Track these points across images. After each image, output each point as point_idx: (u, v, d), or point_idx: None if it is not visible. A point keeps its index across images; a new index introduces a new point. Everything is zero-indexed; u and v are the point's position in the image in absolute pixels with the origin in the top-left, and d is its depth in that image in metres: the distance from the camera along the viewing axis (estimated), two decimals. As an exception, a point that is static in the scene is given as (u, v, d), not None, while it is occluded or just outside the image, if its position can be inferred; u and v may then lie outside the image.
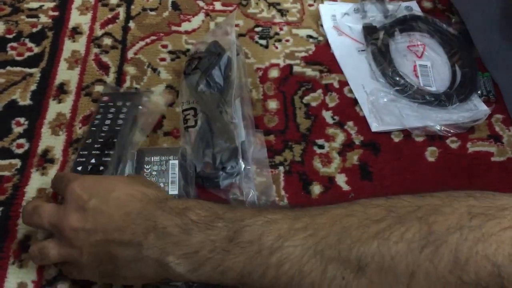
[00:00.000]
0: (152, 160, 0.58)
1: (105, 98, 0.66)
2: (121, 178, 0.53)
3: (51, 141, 0.64)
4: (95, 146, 0.60)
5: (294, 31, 0.78)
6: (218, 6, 0.81)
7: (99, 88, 0.69)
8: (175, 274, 0.43)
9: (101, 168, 0.58)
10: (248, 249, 0.42)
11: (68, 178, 0.51)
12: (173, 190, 0.55)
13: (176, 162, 0.58)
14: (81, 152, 0.60)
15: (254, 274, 0.41)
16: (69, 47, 0.74)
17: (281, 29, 0.78)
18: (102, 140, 0.61)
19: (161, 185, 0.56)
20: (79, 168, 0.58)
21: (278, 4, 0.82)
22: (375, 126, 0.67)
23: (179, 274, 0.43)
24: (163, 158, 0.58)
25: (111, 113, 0.64)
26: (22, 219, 0.52)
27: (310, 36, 0.78)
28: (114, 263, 0.46)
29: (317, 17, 0.80)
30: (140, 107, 0.66)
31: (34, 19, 0.76)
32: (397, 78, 0.69)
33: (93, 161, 0.59)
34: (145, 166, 0.57)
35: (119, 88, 0.69)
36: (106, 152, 0.59)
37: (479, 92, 0.70)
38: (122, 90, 0.69)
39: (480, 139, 0.67)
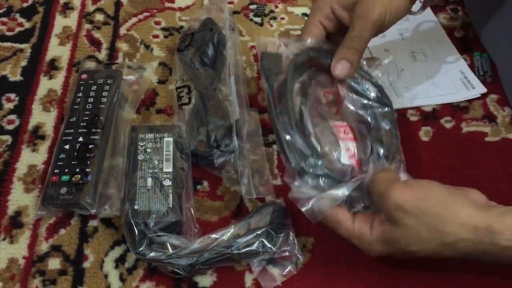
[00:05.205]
0: (146, 137, 0.57)
1: (84, 76, 0.64)
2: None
3: (42, 117, 0.63)
4: (81, 124, 0.59)
5: (290, 9, 0.77)
6: (212, -18, 0.80)
7: (91, 64, 0.68)
8: None
9: (91, 146, 0.57)
10: None
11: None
12: (168, 168, 0.55)
13: (171, 139, 0.57)
14: (66, 131, 0.59)
15: None
16: (60, 22, 0.73)
17: (276, 6, 0.78)
18: (87, 118, 0.60)
19: (155, 162, 0.55)
20: (67, 147, 0.57)
21: (273, -19, 0.81)
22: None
23: None
24: (158, 135, 0.57)
25: (93, 91, 0.62)
26: None
27: (305, 14, 0.77)
28: None
29: (312, -5, 0.79)
30: (129, 83, 0.66)
31: (25, -6, 0.75)
32: None
33: (80, 139, 0.58)
34: (139, 143, 0.57)
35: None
36: (93, 130, 0.59)
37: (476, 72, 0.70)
38: (99, 67, 0.68)
39: (474, 119, 0.67)
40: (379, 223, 0.46)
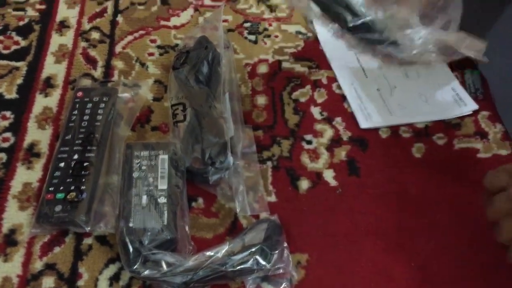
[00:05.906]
0: (141, 154, 0.57)
1: (79, 94, 0.65)
2: None
3: (38, 135, 0.63)
4: (76, 142, 0.60)
5: (283, 26, 0.78)
6: (207, 1, 0.81)
7: (86, 82, 0.69)
8: None
9: (86, 164, 0.57)
10: None
11: None
12: (163, 185, 0.55)
13: (166, 157, 0.57)
14: (61, 149, 0.59)
15: None
16: (56, 40, 0.73)
17: (270, 24, 0.78)
18: (82, 136, 0.60)
19: (150, 179, 0.55)
20: (62, 165, 0.58)
21: (267, -1, 0.82)
22: (364, 123, 0.67)
23: None
24: (153, 152, 0.58)
25: (88, 109, 0.63)
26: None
27: (299, 32, 0.78)
28: None
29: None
30: (124, 101, 0.66)
31: (21, 12, 0.76)
32: None
33: (75, 157, 0.58)
34: (134, 160, 0.57)
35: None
36: (88, 148, 0.59)
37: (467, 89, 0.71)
38: (94, 84, 0.68)
39: (466, 135, 0.67)
40: None
